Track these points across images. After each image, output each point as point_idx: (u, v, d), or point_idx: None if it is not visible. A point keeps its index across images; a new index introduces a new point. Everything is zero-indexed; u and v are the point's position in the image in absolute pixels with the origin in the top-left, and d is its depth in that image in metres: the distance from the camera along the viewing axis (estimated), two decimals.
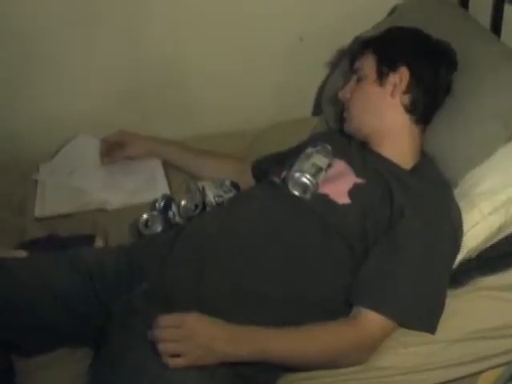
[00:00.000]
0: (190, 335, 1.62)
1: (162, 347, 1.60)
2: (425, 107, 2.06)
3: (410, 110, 2.05)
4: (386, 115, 2.06)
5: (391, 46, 2.10)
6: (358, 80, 2.11)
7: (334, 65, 2.66)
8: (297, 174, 1.94)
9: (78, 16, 2.44)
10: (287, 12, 2.61)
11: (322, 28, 2.64)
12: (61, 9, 2.42)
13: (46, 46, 2.47)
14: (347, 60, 2.30)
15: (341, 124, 2.20)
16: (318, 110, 2.74)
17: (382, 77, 2.06)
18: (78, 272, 1.88)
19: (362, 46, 2.17)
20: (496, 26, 2.37)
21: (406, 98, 2.04)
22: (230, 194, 2.15)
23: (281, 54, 2.70)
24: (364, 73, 2.09)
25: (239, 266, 1.81)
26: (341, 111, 2.21)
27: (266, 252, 1.83)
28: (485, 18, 2.41)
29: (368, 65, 2.10)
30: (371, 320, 1.76)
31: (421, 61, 2.06)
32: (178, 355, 1.60)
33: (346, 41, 2.55)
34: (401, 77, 2.04)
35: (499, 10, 2.35)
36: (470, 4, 2.53)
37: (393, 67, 2.05)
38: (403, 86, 2.04)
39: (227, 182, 2.19)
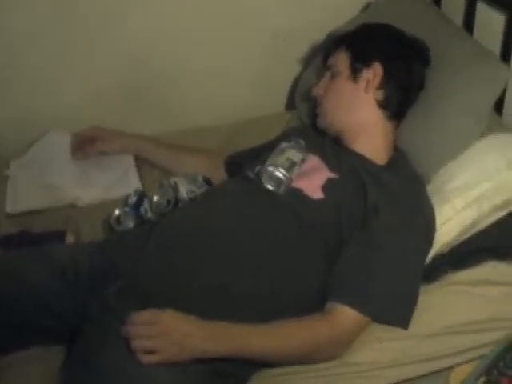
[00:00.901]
0: (165, 332, 1.61)
1: (136, 344, 1.59)
2: (398, 103, 2.07)
3: (384, 105, 2.05)
4: (359, 111, 2.06)
5: (364, 42, 2.11)
6: (332, 76, 2.11)
7: (308, 60, 2.67)
8: (270, 168, 1.93)
9: (58, 15, 2.43)
10: (262, 9, 2.62)
11: (297, 24, 2.65)
12: (39, 7, 2.41)
13: (25, 46, 2.46)
14: (320, 56, 2.30)
15: (314, 120, 2.21)
16: (291, 105, 2.74)
17: (355, 73, 2.06)
18: (51, 269, 1.86)
19: (336, 42, 2.17)
20: (469, 24, 2.38)
21: (380, 94, 2.05)
22: (203, 190, 2.14)
23: (256, 51, 2.72)
24: (337, 69, 2.10)
25: (212, 262, 1.80)
26: (314, 107, 2.21)
27: (240, 248, 1.82)
28: (458, 15, 2.42)
29: (341, 61, 2.10)
30: (345, 315, 1.76)
31: (394, 57, 2.07)
32: (152, 352, 1.59)
33: (320, 37, 2.56)
34: (374, 72, 2.05)
35: (472, 8, 2.36)
36: (443, 2, 2.55)
37: (366, 63, 2.06)
38: (376, 81, 2.04)
39: (200, 178, 2.18)
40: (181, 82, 2.68)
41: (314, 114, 2.21)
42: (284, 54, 2.72)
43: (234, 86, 2.74)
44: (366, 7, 2.64)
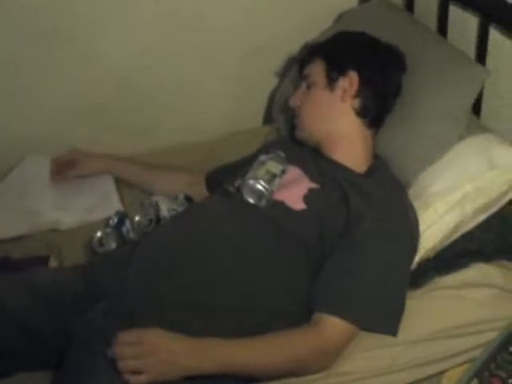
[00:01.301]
0: (151, 351, 1.59)
1: (122, 365, 1.57)
2: (375, 111, 2.06)
3: (361, 113, 2.04)
4: (337, 120, 2.05)
5: (339, 51, 2.10)
6: (308, 87, 2.10)
7: (284, 73, 2.66)
8: (251, 182, 1.92)
9: (34, 35, 2.41)
10: (236, 24, 2.62)
11: (272, 38, 2.65)
12: (16, 27, 2.40)
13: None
14: (296, 67, 2.30)
15: (292, 131, 2.19)
16: (269, 118, 2.74)
17: (331, 82, 2.05)
18: (34, 294, 1.84)
19: (310, 52, 2.17)
20: (442, 28, 2.38)
21: (357, 102, 2.04)
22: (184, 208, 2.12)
23: (232, 66, 2.71)
24: (313, 79, 2.09)
25: (197, 280, 1.78)
26: (291, 119, 2.20)
27: (223, 264, 1.81)
28: (431, 20, 2.42)
29: (317, 71, 2.09)
30: (333, 325, 1.74)
31: (369, 64, 2.07)
32: (139, 372, 1.57)
33: (296, 49, 2.56)
34: (350, 81, 2.04)
35: (444, 12, 2.36)
36: (416, 7, 2.54)
37: (342, 72, 2.05)
38: (353, 90, 2.04)
39: (181, 196, 2.16)
40: (157, 100, 2.66)
41: (291, 126, 2.20)
42: (260, 68, 2.71)
43: (210, 101, 2.73)
44: (339, 18, 2.63)
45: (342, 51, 2.10)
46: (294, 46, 2.58)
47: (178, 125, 2.72)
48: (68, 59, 2.50)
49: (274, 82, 2.74)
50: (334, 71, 2.06)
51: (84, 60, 2.52)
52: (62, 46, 2.47)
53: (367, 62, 2.07)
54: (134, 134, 2.69)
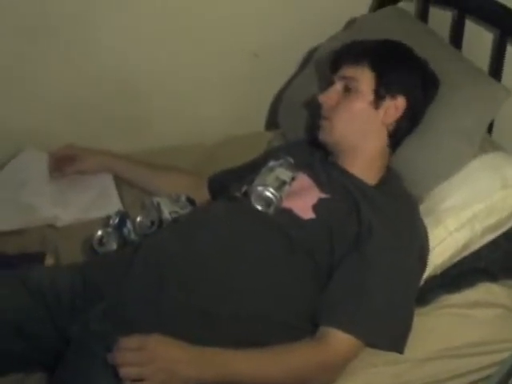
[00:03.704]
0: (153, 358, 1.56)
1: (123, 371, 1.54)
2: (405, 133, 2.01)
3: (393, 136, 1.98)
4: (370, 139, 1.97)
5: (392, 69, 1.99)
6: (347, 90, 1.98)
7: (288, 78, 2.64)
8: (260, 188, 1.87)
9: (26, 28, 2.37)
10: (242, 27, 2.59)
11: (276, 43, 2.62)
12: (8, 20, 2.36)
13: None
14: (312, 65, 2.25)
15: (311, 130, 2.13)
16: (271, 124, 2.71)
17: (377, 99, 1.95)
18: (30, 293, 1.80)
19: (357, 53, 2.02)
20: (456, 40, 2.36)
21: (393, 125, 1.97)
22: (186, 210, 2.07)
23: (236, 70, 2.67)
24: (358, 86, 1.96)
25: (202, 286, 1.74)
26: (313, 117, 2.13)
27: (230, 271, 1.77)
28: (445, 31, 2.40)
29: (365, 80, 1.96)
30: (339, 340, 1.71)
31: (417, 93, 1.99)
32: (140, 379, 1.53)
33: (300, 55, 2.58)
34: (396, 105, 1.95)
35: (460, 24, 2.33)
36: (430, 17, 2.51)
37: (390, 93, 1.95)
38: (397, 115, 1.96)
39: (183, 198, 2.11)
40: (156, 99, 2.63)
41: (312, 125, 2.13)
42: (265, 73, 2.68)
43: (215, 105, 2.70)
44: (348, 24, 2.60)
45: (395, 71, 1.98)
46: (298, 52, 2.57)
47: (178, 127, 2.68)
48: (66, 55, 2.47)
49: (278, 86, 2.71)
50: (383, 89, 1.96)
51: (83, 56, 2.49)
52: (58, 42, 2.44)
53: (416, 90, 1.98)
54: (133, 132, 2.66)
